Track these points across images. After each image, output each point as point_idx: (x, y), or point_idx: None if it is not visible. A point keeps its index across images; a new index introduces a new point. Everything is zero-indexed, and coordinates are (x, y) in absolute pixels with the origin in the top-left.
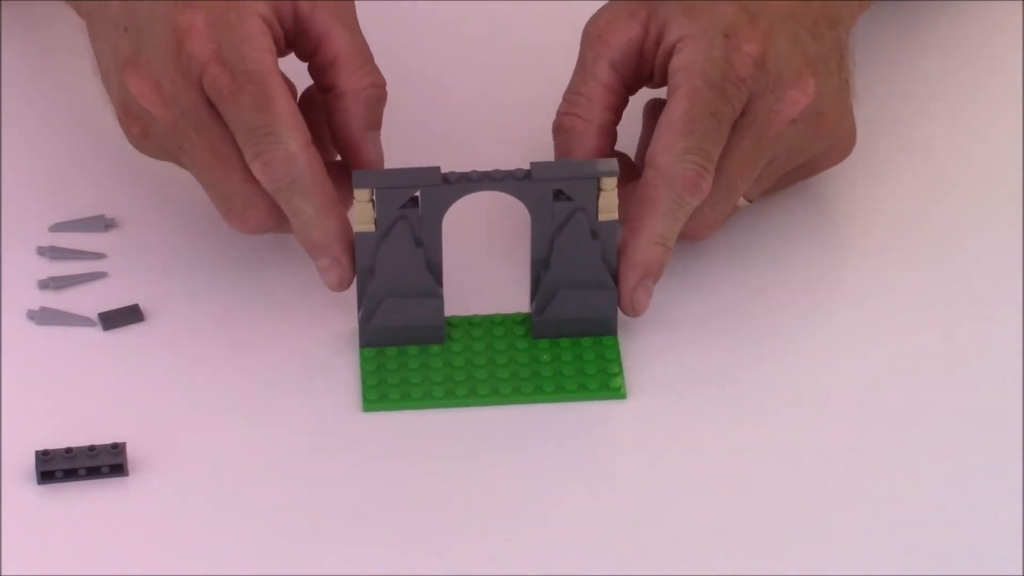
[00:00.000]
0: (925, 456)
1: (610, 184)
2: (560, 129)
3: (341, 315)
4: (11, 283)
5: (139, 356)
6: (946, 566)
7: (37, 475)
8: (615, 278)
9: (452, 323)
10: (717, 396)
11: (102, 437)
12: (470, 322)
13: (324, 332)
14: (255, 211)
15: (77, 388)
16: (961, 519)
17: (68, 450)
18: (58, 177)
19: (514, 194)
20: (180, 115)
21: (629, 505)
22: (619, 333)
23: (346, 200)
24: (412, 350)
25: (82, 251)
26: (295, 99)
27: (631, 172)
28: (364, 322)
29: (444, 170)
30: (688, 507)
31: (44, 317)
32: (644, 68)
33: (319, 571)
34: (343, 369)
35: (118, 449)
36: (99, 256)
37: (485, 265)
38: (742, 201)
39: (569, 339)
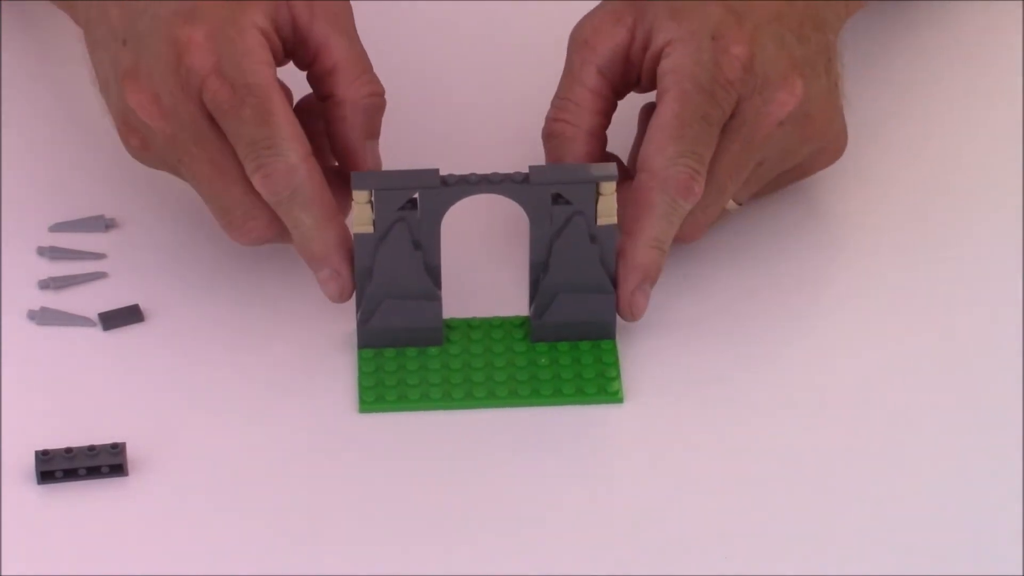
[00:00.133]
0: (922, 456)
1: (609, 188)
2: (550, 135)
3: (340, 316)
4: (11, 283)
5: (139, 356)
6: (945, 566)
7: (37, 475)
8: (614, 282)
9: (451, 325)
10: (714, 398)
11: (102, 437)
12: (469, 324)
13: (323, 333)
14: (256, 223)
15: (77, 388)
16: (960, 519)
17: (68, 450)
18: (58, 177)
19: (513, 197)
20: (179, 128)
21: (627, 507)
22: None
23: (345, 208)
24: (410, 352)
25: (82, 251)
26: (291, 105)
27: (622, 174)
28: (362, 323)
29: (443, 172)
30: (687, 509)
31: (44, 317)
32: (631, 72)
33: (316, 571)
34: (342, 370)
35: (118, 449)
36: (99, 256)
37: (484, 268)
38: (732, 204)
39: (567, 343)
